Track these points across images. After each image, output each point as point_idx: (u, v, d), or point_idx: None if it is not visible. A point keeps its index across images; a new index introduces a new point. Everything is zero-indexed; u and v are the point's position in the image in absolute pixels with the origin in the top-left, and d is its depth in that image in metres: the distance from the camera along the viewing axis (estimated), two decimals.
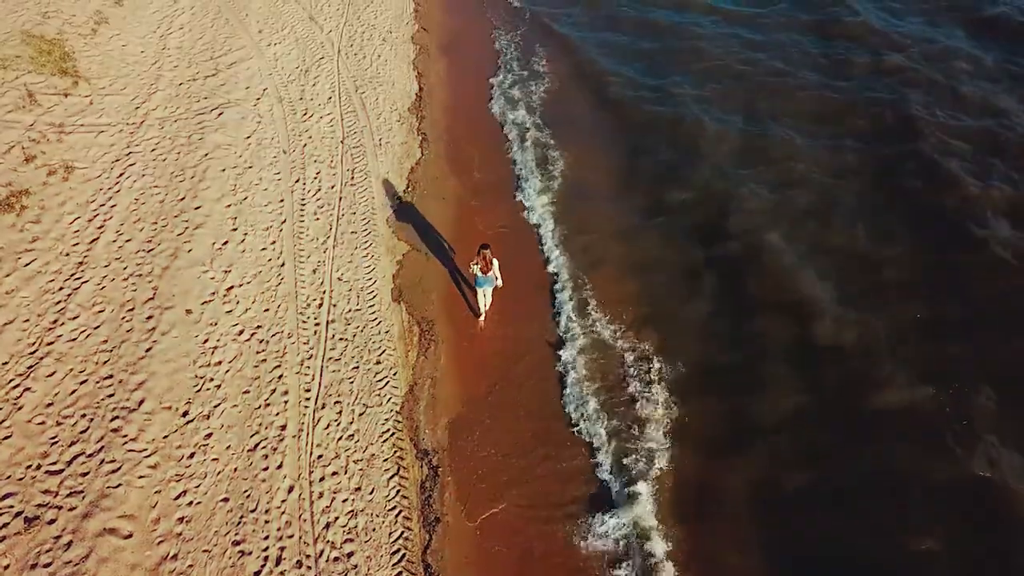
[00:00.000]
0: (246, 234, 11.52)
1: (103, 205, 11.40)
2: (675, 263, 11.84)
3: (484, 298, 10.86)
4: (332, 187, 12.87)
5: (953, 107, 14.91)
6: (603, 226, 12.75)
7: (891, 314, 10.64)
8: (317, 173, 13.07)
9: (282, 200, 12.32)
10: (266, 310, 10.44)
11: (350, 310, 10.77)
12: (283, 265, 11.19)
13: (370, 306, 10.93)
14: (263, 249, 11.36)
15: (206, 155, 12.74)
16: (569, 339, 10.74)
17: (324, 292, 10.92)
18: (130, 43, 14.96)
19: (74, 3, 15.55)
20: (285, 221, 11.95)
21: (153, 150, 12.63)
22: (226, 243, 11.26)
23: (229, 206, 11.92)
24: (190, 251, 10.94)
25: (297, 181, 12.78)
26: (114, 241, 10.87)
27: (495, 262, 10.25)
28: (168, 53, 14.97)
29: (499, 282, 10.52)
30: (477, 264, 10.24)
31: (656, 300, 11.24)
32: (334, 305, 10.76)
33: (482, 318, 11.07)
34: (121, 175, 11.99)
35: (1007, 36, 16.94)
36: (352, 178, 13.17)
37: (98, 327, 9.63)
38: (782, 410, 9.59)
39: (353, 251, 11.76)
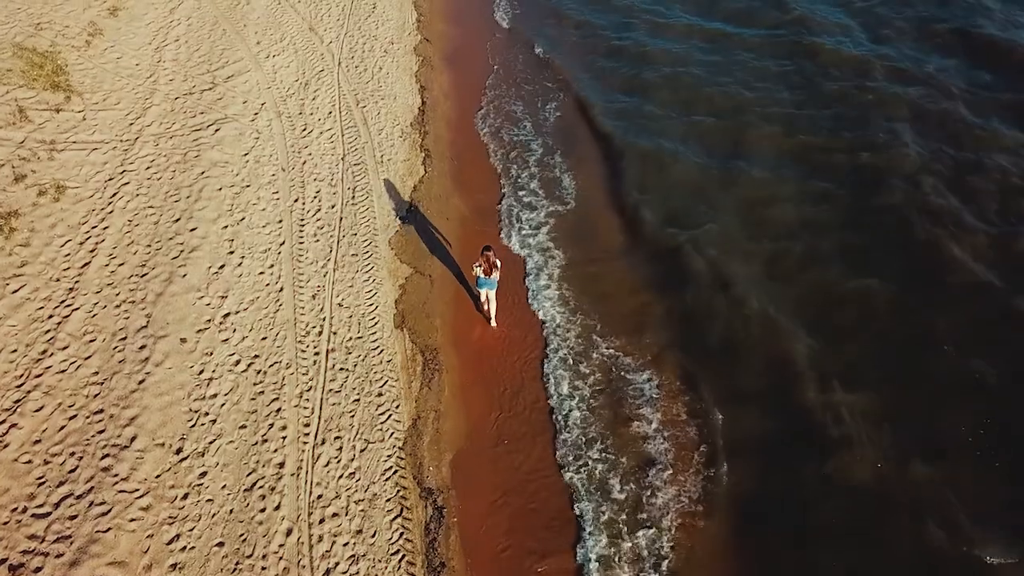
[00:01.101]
0: (243, 257, 11.30)
1: (95, 227, 11.19)
2: (678, 301, 11.50)
3: (489, 301, 10.94)
4: (333, 207, 12.66)
5: (932, 136, 14.30)
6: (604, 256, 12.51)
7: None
8: (317, 192, 12.87)
9: (280, 221, 12.12)
10: (264, 338, 10.21)
11: (351, 338, 10.54)
12: (281, 290, 10.97)
13: (372, 333, 10.71)
14: (261, 273, 11.15)
15: (202, 173, 12.54)
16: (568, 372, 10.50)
17: (324, 319, 10.70)
18: (125, 55, 14.77)
19: (68, 14, 15.37)
20: (284, 243, 11.74)
21: (148, 168, 12.43)
22: (223, 267, 11.05)
23: (226, 227, 11.71)
24: (185, 276, 10.73)
25: (296, 200, 12.58)
26: (106, 265, 10.66)
27: (498, 263, 10.35)
28: (164, 66, 14.79)
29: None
30: (480, 266, 10.32)
31: (664, 332, 10.98)
32: (334, 333, 10.54)
33: (492, 322, 11.16)
34: (114, 195, 11.78)
35: (994, 62, 16.15)
36: (353, 197, 12.97)
37: (89, 358, 9.40)
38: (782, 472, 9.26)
39: (354, 275, 11.54)
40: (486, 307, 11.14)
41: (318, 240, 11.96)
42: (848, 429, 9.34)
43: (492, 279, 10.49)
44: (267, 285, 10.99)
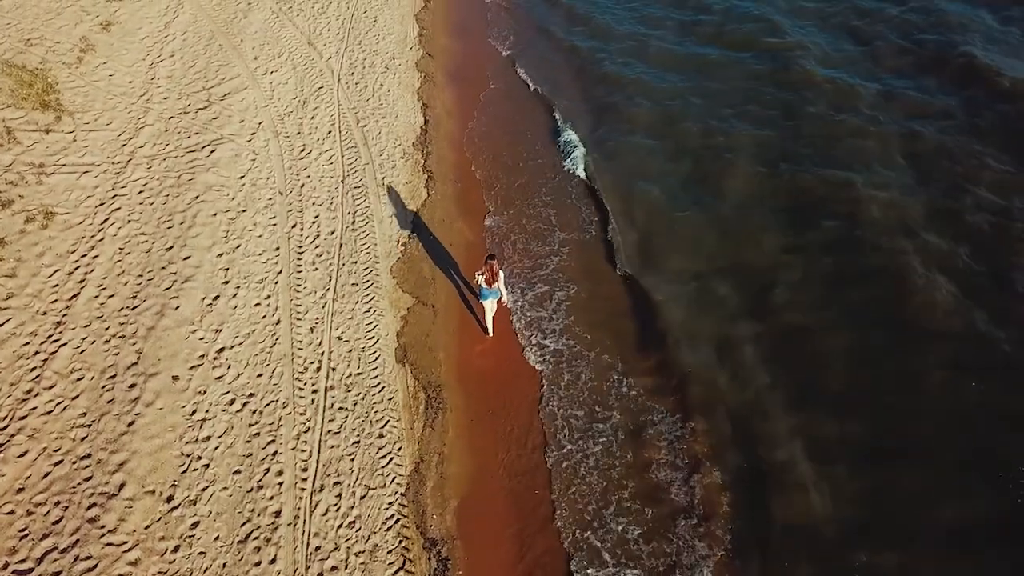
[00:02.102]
0: (239, 288, 11.05)
1: (85, 256, 10.95)
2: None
3: (490, 312, 10.96)
4: (332, 233, 12.42)
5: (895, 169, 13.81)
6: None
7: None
8: (316, 217, 12.63)
9: (278, 248, 11.87)
10: (259, 375, 9.95)
11: (351, 374, 10.28)
12: (278, 323, 10.71)
13: (372, 369, 10.45)
14: (257, 305, 10.89)
15: (197, 197, 12.30)
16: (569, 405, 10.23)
17: (323, 354, 10.44)
18: (117, 72, 14.56)
19: (59, 29, 15.18)
20: (281, 272, 11.48)
21: (140, 192, 12.19)
22: (217, 298, 10.79)
23: (221, 255, 11.46)
24: (178, 308, 10.47)
25: (294, 226, 12.33)
26: (96, 297, 10.41)
27: (501, 274, 10.35)
28: (158, 83, 14.57)
29: (505, 299, 10.77)
30: (482, 275, 10.32)
31: (682, 363, 10.72)
32: (333, 369, 10.27)
33: (490, 333, 11.23)
34: (105, 221, 11.54)
35: (984, 90, 15.49)
36: (353, 222, 12.73)
37: (76, 397, 9.14)
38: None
39: (354, 306, 11.28)
40: (484, 318, 11.21)
41: (316, 269, 11.71)
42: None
43: (495, 289, 10.51)
44: (263, 318, 10.73)
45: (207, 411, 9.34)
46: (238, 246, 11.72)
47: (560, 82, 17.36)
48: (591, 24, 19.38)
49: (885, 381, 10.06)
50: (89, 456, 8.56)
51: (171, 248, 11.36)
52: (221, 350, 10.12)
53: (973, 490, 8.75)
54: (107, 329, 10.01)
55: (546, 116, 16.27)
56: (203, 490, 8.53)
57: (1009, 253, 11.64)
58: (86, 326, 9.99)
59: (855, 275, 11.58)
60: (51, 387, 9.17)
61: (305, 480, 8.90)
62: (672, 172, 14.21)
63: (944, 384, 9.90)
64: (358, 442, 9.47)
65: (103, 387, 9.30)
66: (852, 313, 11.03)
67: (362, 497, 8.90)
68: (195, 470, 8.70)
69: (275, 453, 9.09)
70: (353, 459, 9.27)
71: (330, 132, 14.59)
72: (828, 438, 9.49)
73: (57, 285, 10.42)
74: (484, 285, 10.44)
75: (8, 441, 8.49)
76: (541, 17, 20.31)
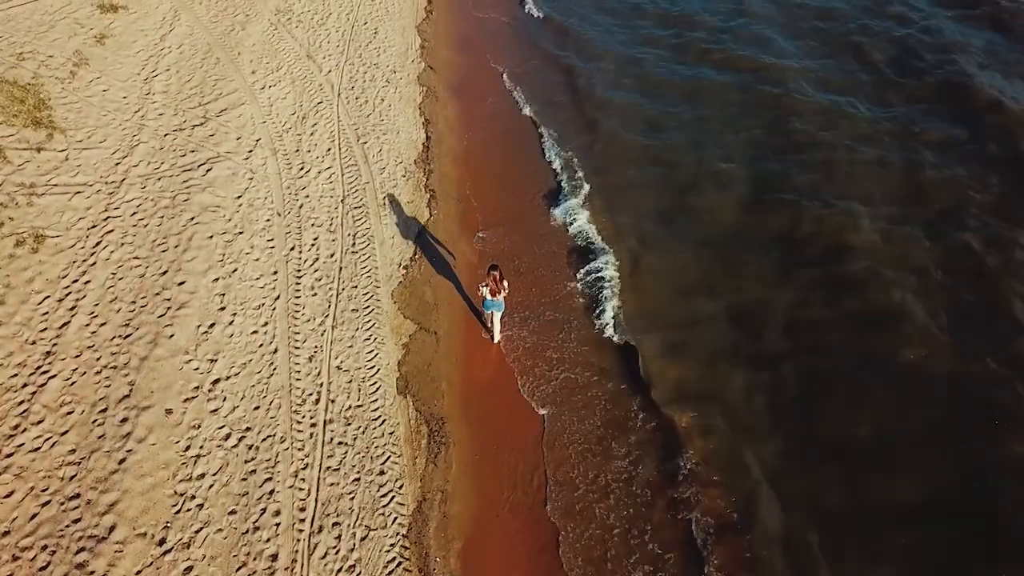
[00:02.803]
0: (235, 314, 10.85)
1: (76, 281, 10.75)
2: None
3: (495, 322, 11.14)
4: (331, 255, 12.23)
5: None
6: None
7: None
8: (315, 239, 12.44)
9: (275, 272, 11.67)
10: (256, 408, 9.74)
11: (350, 407, 10.07)
12: (276, 352, 10.51)
13: (372, 401, 10.24)
14: (254, 332, 10.69)
15: (192, 219, 12.11)
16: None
17: (321, 385, 10.23)
18: (112, 87, 14.39)
19: (52, 42, 15.00)
20: (279, 297, 11.29)
21: (134, 214, 12.00)
22: (212, 326, 10.59)
23: (217, 280, 11.27)
24: (172, 336, 10.27)
25: (292, 249, 12.14)
26: (87, 325, 10.20)
27: (505, 284, 10.49)
28: (153, 99, 14.40)
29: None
30: (487, 286, 10.45)
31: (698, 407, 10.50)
32: (332, 401, 10.07)
33: (497, 339, 11.36)
34: (97, 244, 11.35)
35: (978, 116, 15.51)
36: (354, 244, 12.54)
37: (66, 433, 8.93)
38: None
39: (354, 333, 11.08)
40: (491, 326, 11.34)
41: (316, 294, 11.51)
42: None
43: (498, 301, 10.65)
44: (260, 346, 10.53)
45: (201, 447, 9.13)
46: (234, 270, 11.52)
47: (561, 105, 16.98)
48: (588, 43, 18.98)
49: (887, 426, 9.88)
50: (78, 496, 8.34)
51: (165, 273, 11.16)
52: (216, 381, 9.91)
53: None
54: (99, 359, 9.80)
55: (542, 141, 15.94)
56: (197, 532, 8.31)
57: (1008, 287, 11.55)
58: (77, 356, 9.78)
59: (851, 313, 11.44)
60: (39, 422, 8.96)
61: (303, 521, 8.68)
62: (661, 209, 13.81)
63: (947, 432, 9.72)
64: (358, 479, 9.25)
65: (94, 422, 9.09)
66: (850, 352, 10.93)
67: (362, 539, 8.68)
68: (188, 510, 8.49)
69: (272, 492, 8.88)
70: (353, 498, 9.05)
71: (330, 149, 14.41)
72: (837, 498, 9.27)
73: (47, 313, 10.21)
74: (488, 296, 10.55)
75: None
76: (541, 29, 20.12)
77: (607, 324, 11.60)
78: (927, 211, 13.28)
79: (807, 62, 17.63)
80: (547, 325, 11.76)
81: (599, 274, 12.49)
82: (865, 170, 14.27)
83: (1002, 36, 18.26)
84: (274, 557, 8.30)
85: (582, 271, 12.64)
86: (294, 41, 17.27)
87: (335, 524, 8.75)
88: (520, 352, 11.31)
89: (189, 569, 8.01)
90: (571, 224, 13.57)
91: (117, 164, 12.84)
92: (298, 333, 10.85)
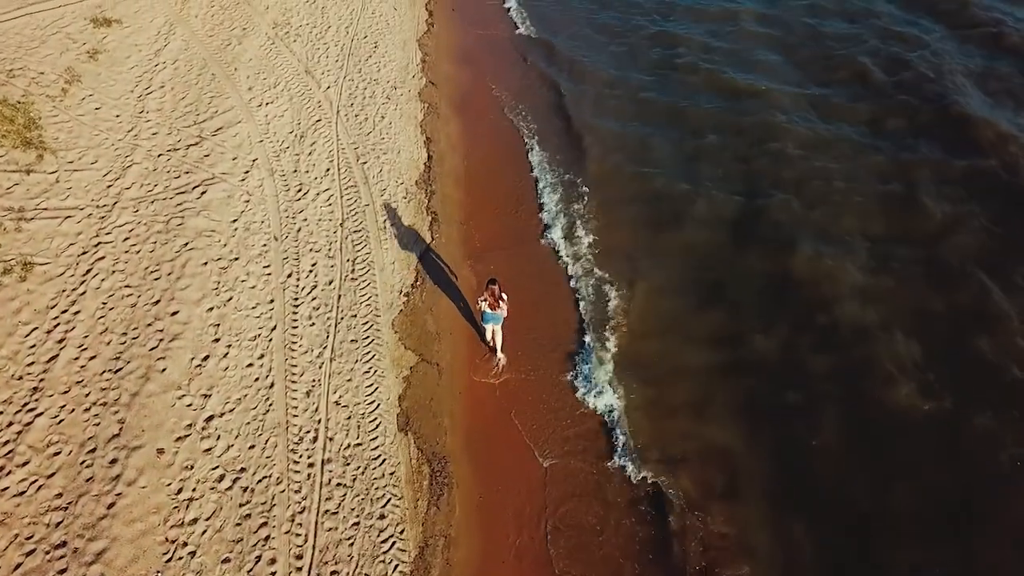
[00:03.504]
0: (230, 346, 10.63)
1: (65, 311, 10.54)
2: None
3: (495, 335, 11.21)
4: (330, 283, 12.01)
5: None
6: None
7: None
8: (313, 265, 12.23)
9: (272, 301, 11.46)
10: (251, 447, 9.51)
11: (349, 445, 9.84)
12: (272, 386, 10.28)
13: (372, 439, 10.01)
14: (249, 365, 10.47)
15: (186, 245, 11.90)
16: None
17: (319, 421, 10.00)
18: (104, 105, 14.20)
19: (43, 58, 14.84)
20: (275, 328, 11.07)
21: (126, 239, 11.79)
22: (206, 359, 10.37)
23: (211, 309, 11.05)
24: (164, 370, 10.05)
25: (290, 276, 11.92)
26: (76, 359, 9.98)
27: (504, 297, 10.49)
28: (146, 117, 14.21)
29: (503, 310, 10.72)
30: (485, 300, 10.50)
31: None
32: (331, 439, 9.84)
33: (500, 357, 11.38)
34: (88, 272, 11.14)
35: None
36: (353, 271, 12.33)
37: (52, 475, 8.71)
38: None
39: (353, 366, 10.86)
40: (492, 341, 11.37)
41: (313, 324, 11.29)
42: None
43: (498, 313, 10.65)
44: (256, 380, 10.30)
45: (194, 489, 8.90)
46: (230, 299, 11.31)
47: (556, 127, 16.73)
48: (578, 63, 18.87)
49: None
50: (64, 544, 8.11)
51: (158, 302, 10.95)
52: (210, 418, 9.68)
53: None
54: (88, 396, 9.58)
55: (542, 165, 15.72)
56: None
57: (985, 328, 11.48)
58: (65, 392, 9.56)
59: (838, 363, 11.23)
60: (25, 464, 8.74)
61: (300, 569, 8.44)
62: (657, 245, 13.52)
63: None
64: (357, 523, 9.01)
65: (82, 463, 8.86)
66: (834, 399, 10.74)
67: None
68: (180, 559, 8.25)
69: (267, 538, 8.64)
70: (352, 543, 8.81)
71: (328, 170, 14.21)
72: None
73: (35, 346, 10.00)
74: (487, 310, 10.60)
75: None
76: (538, 47, 19.98)
77: (602, 382, 11.18)
78: (920, 249, 12.97)
79: (797, 88, 17.44)
80: (548, 362, 11.48)
81: (598, 313, 12.29)
82: (857, 204, 13.94)
83: (1000, 61, 17.91)
84: None
85: (581, 308, 12.41)
86: (292, 56, 17.10)
87: (333, 572, 8.50)
88: (521, 397, 10.96)
89: None
90: (570, 260, 13.32)
91: (109, 186, 12.63)
92: (295, 366, 10.62)
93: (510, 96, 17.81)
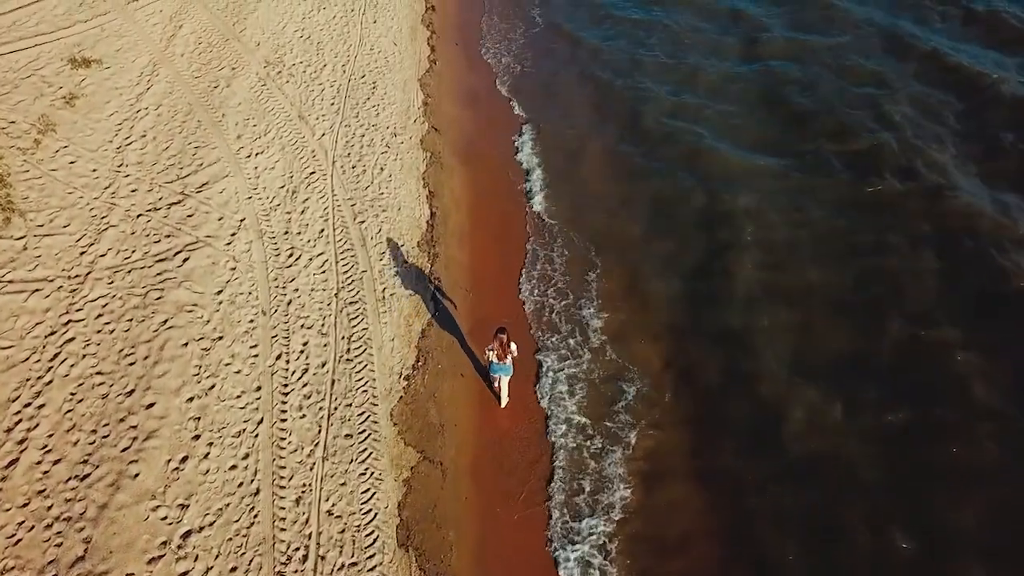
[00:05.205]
0: (211, 444, 9.97)
1: (29, 405, 9.88)
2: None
3: (503, 386, 11.21)
4: (323, 365, 11.37)
5: None
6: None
7: None
8: (304, 344, 11.59)
9: (259, 388, 10.81)
10: (233, 569, 8.83)
11: (343, 565, 9.15)
12: (257, 493, 9.61)
13: (368, 556, 9.33)
14: (232, 468, 9.80)
15: (165, 322, 11.26)
16: None
17: (310, 536, 9.33)
18: (80, 158, 13.61)
19: (15, 105, 14.27)
20: (262, 421, 10.41)
21: (99, 316, 11.15)
22: (185, 460, 9.71)
23: (191, 400, 10.40)
24: (137, 476, 9.39)
25: (279, 358, 11.28)
26: (39, 464, 9.32)
27: (514, 348, 10.56)
28: (126, 171, 13.61)
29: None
30: (493, 350, 10.51)
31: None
32: (322, 558, 9.16)
33: (504, 403, 11.40)
34: (55, 357, 10.49)
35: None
36: (348, 350, 11.69)
37: None
38: None
39: (348, 467, 10.19)
40: (498, 389, 11.36)
41: (304, 415, 10.63)
42: None
43: (506, 365, 10.69)
44: (240, 486, 9.62)
45: None
46: (212, 386, 10.66)
47: (565, 174, 16.24)
48: (617, 111, 18.18)
49: None
50: None
51: (132, 392, 10.29)
52: (188, 534, 9.01)
53: None
54: (50, 509, 8.90)
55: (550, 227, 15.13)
56: None
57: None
58: (24, 505, 8.89)
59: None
60: None
61: None
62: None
63: None
64: None
65: None
66: None
67: None
68: None
69: None
70: None
71: (323, 231, 13.61)
72: None
73: None
74: (495, 361, 10.61)
75: None
76: (552, 82, 19.48)
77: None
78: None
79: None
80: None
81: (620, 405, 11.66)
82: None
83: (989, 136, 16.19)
84: None
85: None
86: (284, 99, 16.55)
87: None
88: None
89: None
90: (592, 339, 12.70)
91: (82, 253, 12.01)
92: (283, 467, 9.95)
93: (515, 140, 17.27)
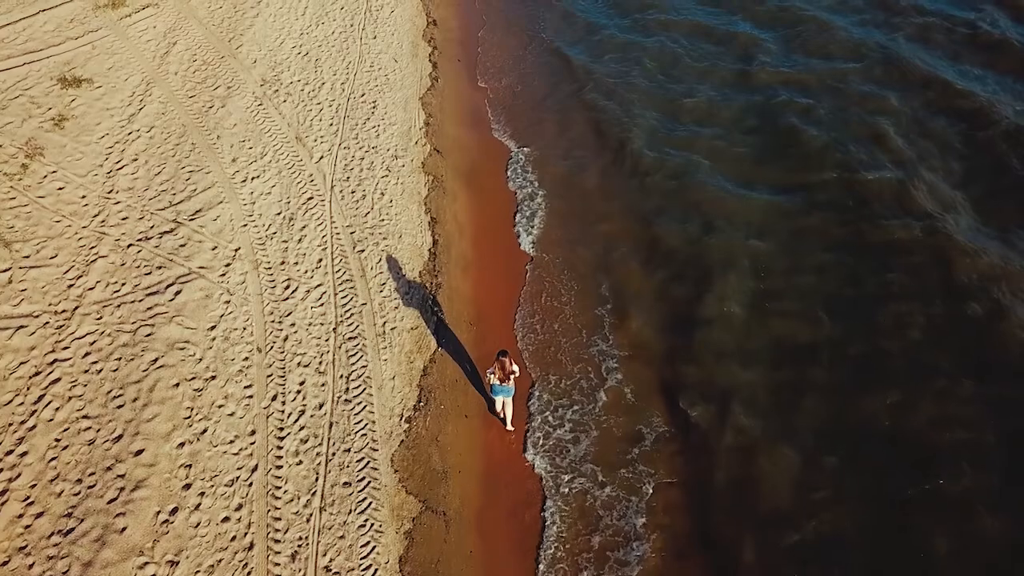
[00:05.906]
0: (203, 494, 9.61)
1: (11, 453, 9.55)
2: None
3: (505, 408, 11.21)
4: (320, 406, 11.02)
5: None
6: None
7: None
8: (301, 384, 11.25)
9: (253, 432, 10.46)
10: None
11: None
12: (251, 548, 9.25)
13: None
14: (225, 520, 9.45)
15: (155, 361, 10.92)
16: None
17: None
18: (69, 184, 13.30)
19: (2, 127, 13.97)
20: (256, 468, 10.06)
21: (86, 355, 10.81)
22: (175, 512, 9.35)
23: (182, 446, 10.05)
24: (124, 530, 9.02)
25: (274, 399, 10.94)
26: (20, 517, 8.97)
27: (515, 370, 10.61)
28: (116, 198, 13.30)
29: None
30: (494, 373, 10.57)
31: None
32: None
33: (508, 425, 11.41)
34: (40, 400, 10.14)
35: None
36: (347, 390, 11.35)
37: None
38: None
39: (347, 518, 9.84)
40: (502, 412, 11.35)
41: (301, 462, 10.28)
42: None
43: (508, 387, 10.73)
44: (232, 540, 9.27)
45: None
46: (204, 431, 10.31)
47: (567, 198, 15.97)
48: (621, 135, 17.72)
49: None
50: None
51: (119, 438, 9.94)
52: None
53: None
54: (31, 568, 8.53)
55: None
56: None
57: None
58: (3, 564, 8.49)
59: None
60: None
61: None
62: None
63: None
64: None
65: None
66: None
67: None
68: None
69: None
70: None
71: (321, 260, 13.28)
72: None
73: None
74: (497, 383, 10.65)
75: None
76: (556, 102, 19.20)
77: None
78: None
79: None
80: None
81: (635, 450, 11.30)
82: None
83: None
84: None
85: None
86: (282, 120, 16.25)
87: None
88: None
89: None
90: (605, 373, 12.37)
91: (70, 286, 11.68)
92: (279, 519, 9.59)
93: (518, 160, 16.97)
